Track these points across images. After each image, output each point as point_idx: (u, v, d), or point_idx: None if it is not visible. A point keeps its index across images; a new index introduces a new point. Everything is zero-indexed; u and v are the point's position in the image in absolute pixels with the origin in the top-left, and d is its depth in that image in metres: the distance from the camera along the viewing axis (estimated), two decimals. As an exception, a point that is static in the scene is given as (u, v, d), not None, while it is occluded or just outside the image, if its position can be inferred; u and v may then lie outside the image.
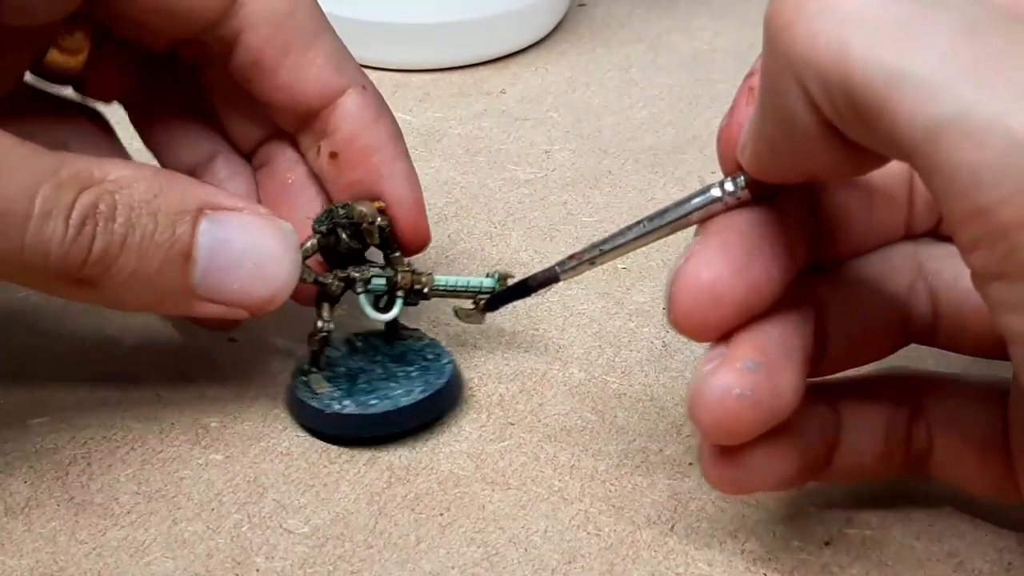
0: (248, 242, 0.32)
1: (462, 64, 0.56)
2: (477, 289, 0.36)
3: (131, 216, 0.30)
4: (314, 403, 0.35)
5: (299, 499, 0.34)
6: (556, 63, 0.57)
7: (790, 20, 0.23)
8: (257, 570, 0.32)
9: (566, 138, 0.51)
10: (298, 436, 0.36)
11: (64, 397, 0.37)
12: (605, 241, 0.30)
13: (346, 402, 0.35)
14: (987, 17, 0.22)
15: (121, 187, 0.31)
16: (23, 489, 0.34)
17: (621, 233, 0.30)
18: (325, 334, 0.36)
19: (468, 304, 0.37)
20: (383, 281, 0.35)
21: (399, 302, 0.36)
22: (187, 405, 0.37)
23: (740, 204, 0.28)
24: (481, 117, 0.52)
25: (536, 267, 0.42)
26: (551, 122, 0.52)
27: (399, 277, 0.36)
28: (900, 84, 0.22)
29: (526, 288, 0.34)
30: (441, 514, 0.34)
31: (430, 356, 0.37)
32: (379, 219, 0.35)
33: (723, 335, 0.28)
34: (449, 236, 0.44)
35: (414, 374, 0.36)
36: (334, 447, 0.36)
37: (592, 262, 0.31)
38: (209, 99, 0.38)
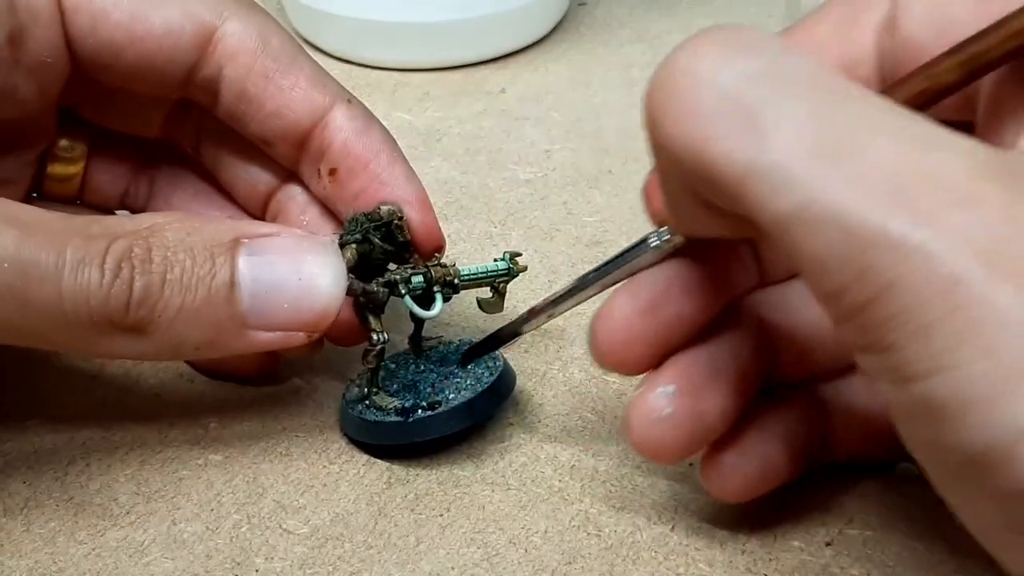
0: (290, 260, 0.32)
1: (462, 64, 0.56)
2: (495, 274, 0.37)
3: (167, 255, 0.30)
4: (392, 418, 0.34)
5: (299, 499, 0.34)
6: (556, 63, 0.56)
7: (659, 116, 0.25)
8: (256, 570, 0.32)
9: (566, 138, 0.51)
10: (297, 437, 0.36)
11: (63, 397, 0.37)
12: (558, 295, 0.33)
13: (425, 404, 0.35)
14: (834, 101, 0.23)
15: (153, 232, 0.31)
16: (22, 489, 0.34)
17: (572, 287, 0.32)
18: (383, 346, 0.35)
19: (487, 293, 0.37)
20: (420, 278, 0.35)
21: (439, 298, 0.35)
22: (186, 405, 0.37)
23: (676, 249, 0.30)
24: (481, 117, 0.52)
25: (536, 267, 0.42)
26: (551, 122, 0.52)
27: (433, 272, 0.35)
28: (750, 178, 0.23)
29: (495, 342, 0.35)
30: (441, 514, 0.33)
31: None
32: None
33: (648, 366, 0.30)
34: (449, 236, 0.44)
35: (469, 366, 0.36)
36: (334, 447, 0.36)
37: (550, 315, 0.33)
38: (210, 174, 0.39)
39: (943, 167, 0.22)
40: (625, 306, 0.30)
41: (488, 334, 0.36)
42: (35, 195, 0.38)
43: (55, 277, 0.29)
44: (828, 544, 0.32)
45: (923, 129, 0.23)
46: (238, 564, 0.32)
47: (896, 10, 0.30)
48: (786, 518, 0.33)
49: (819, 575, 0.31)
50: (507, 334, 0.35)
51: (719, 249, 0.31)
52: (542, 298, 0.34)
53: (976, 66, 0.27)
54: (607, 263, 0.31)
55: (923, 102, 0.27)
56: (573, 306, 0.33)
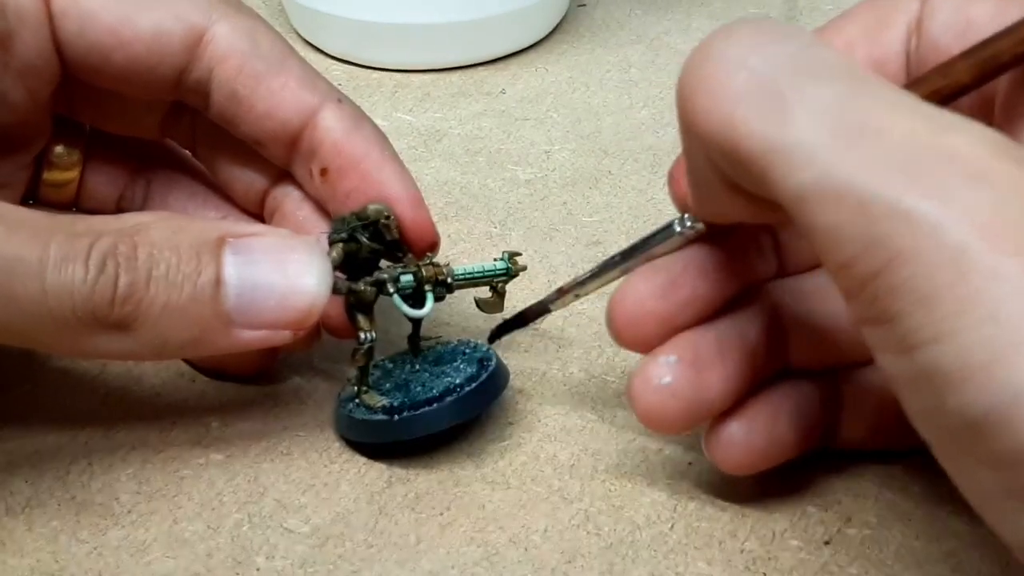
0: (275, 259, 0.32)
1: (462, 64, 0.56)
2: (492, 274, 0.37)
3: (153, 252, 0.30)
4: (379, 416, 0.34)
5: (299, 499, 0.34)
6: (556, 63, 0.57)
7: (691, 95, 0.26)
8: (257, 569, 0.32)
9: (566, 138, 0.51)
10: (298, 436, 0.36)
11: (64, 397, 0.37)
12: (585, 276, 0.34)
13: (412, 403, 0.34)
14: (856, 86, 0.24)
15: (139, 230, 0.31)
16: (24, 488, 0.34)
17: (598, 269, 0.34)
18: (371, 344, 0.35)
19: (486, 293, 0.37)
20: (410, 277, 0.35)
21: (430, 297, 0.35)
22: (188, 405, 0.37)
23: (699, 236, 0.31)
24: (481, 117, 0.52)
25: (536, 267, 0.42)
26: (551, 122, 0.52)
27: (423, 271, 0.35)
28: (773, 154, 0.24)
29: (523, 320, 0.36)
30: (441, 514, 0.34)
31: (467, 351, 0.37)
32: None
33: (660, 343, 0.32)
34: (449, 236, 0.44)
35: (462, 366, 0.36)
36: (334, 446, 0.36)
37: (576, 295, 0.34)
38: (208, 174, 0.39)
39: (957, 146, 0.23)
40: (640, 286, 0.32)
41: (517, 312, 0.36)
42: (31, 202, 0.38)
43: (38, 273, 0.29)
44: (827, 543, 0.32)
45: (940, 114, 0.24)
46: (239, 563, 0.32)
47: (923, 12, 0.31)
48: (785, 517, 0.33)
49: (817, 574, 0.32)
50: (534, 312, 0.35)
51: (739, 236, 0.32)
52: (570, 278, 0.35)
53: (990, 68, 0.28)
54: (632, 246, 0.33)
55: (938, 101, 0.28)
56: (599, 287, 0.34)
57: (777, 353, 0.33)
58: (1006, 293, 0.21)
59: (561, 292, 0.35)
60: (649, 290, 0.31)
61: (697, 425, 0.32)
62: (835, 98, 0.24)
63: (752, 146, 0.25)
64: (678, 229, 0.31)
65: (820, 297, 0.33)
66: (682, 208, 0.32)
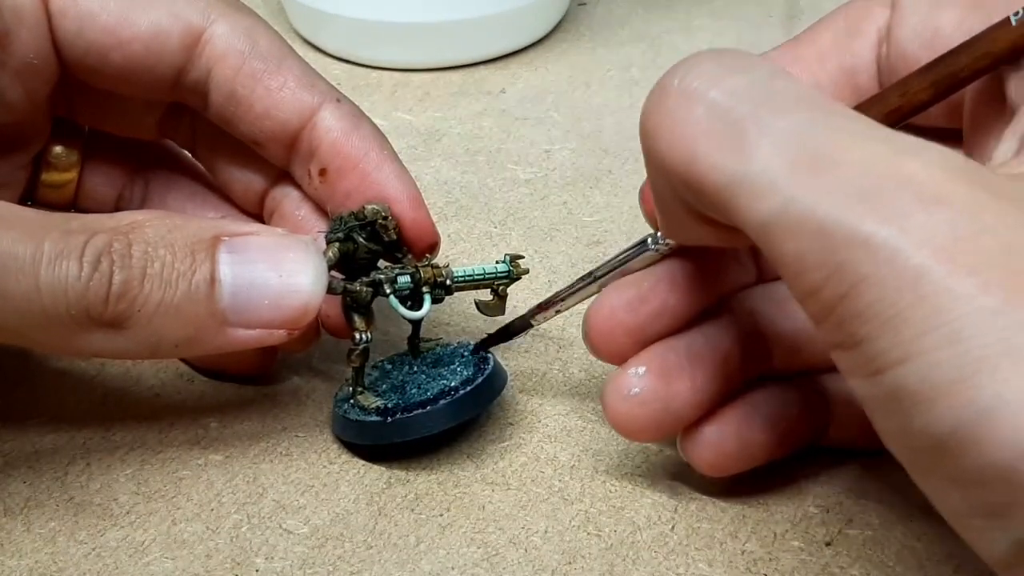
0: (270, 258, 0.32)
1: (462, 64, 0.56)
2: (493, 276, 0.36)
3: (148, 250, 0.30)
4: (372, 418, 0.34)
5: (299, 499, 0.34)
6: (556, 63, 0.57)
7: (653, 130, 0.27)
8: (257, 570, 0.32)
9: (566, 138, 0.51)
10: (298, 436, 0.36)
11: (64, 397, 0.37)
12: (563, 292, 0.35)
13: (406, 405, 0.34)
14: (815, 116, 0.25)
15: (134, 228, 0.31)
16: (22, 489, 0.34)
17: (576, 284, 0.34)
18: (366, 346, 0.35)
19: (487, 296, 0.37)
20: (407, 279, 0.35)
21: (427, 298, 0.35)
22: (186, 405, 0.37)
23: (673, 251, 0.32)
24: (481, 117, 0.52)
25: (536, 267, 0.43)
26: (551, 122, 0.52)
27: (421, 272, 0.35)
28: (735, 186, 0.25)
29: (507, 334, 0.36)
30: (441, 514, 0.33)
31: (465, 353, 0.36)
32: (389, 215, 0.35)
33: (633, 355, 0.32)
34: (449, 236, 0.44)
35: (459, 368, 0.36)
36: (334, 447, 0.36)
37: (557, 310, 0.35)
38: (205, 175, 0.39)
39: (913, 171, 0.23)
40: (612, 299, 0.32)
41: (501, 326, 0.36)
42: (29, 202, 0.38)
43: (32, 270, 0.29)
44: (828, 544, 0.32)
45: (897, 138, 0.24)
46: (238, 564, 0.32)
47: (892, 21, 0.31)
48: (786, 518, 0.33)
49: (819, 575, 0.32)
50: (518, 326, 0.36)
51: (715, 248, 0.32)
52: (550, 294, 0.35)
53: (948, 85, 0.28)
54: (609, 262, 0.33)
55: (898, 119, 0.29)
56: (578, 301, 0.35)
57: (755, 359, 0.33)
58: (966, 313, 0.22)
59: (541, 307, 0.35)
60: (620, 303, 0.32)
61: (669, 433, 0.32)
62: (794, 128, 0.24)
63: (715, 179, 0.25)
64: (652, 245, 0.32)
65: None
66: (654, 225, 0.33)
